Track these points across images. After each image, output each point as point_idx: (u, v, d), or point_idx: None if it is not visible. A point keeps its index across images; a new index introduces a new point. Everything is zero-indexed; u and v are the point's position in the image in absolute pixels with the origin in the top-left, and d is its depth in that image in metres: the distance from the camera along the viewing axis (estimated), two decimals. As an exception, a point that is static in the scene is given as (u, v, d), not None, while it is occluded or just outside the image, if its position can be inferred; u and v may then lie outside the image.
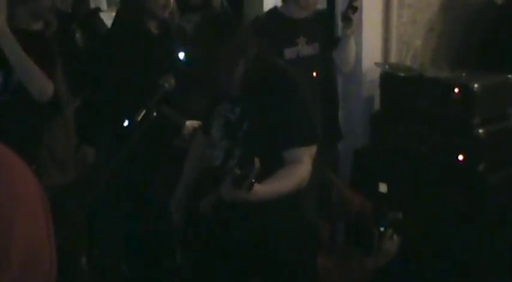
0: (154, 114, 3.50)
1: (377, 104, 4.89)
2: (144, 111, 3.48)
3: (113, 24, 4.62)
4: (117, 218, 4.54)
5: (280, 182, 2.92)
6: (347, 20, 4.47)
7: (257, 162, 2.61)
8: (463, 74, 4.51)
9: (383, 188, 3.88)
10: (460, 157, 4.30)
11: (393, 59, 5.01)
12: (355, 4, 4.45)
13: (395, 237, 3.73)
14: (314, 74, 4.46)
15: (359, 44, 4.81)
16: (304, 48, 4.52)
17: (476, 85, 4.29)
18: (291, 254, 3.17)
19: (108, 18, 5.35)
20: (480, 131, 4.29)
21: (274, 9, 4.67)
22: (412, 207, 4.39)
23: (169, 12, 4.38)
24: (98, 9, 5.30)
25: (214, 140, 3.17)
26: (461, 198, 4.30)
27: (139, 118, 3.51)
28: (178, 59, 4.32)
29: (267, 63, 3.06)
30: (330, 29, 4.53)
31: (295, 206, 3.12)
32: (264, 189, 2.78)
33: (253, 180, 2.64)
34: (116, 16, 4.71)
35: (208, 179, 3.16)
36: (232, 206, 2.88)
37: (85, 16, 4.89)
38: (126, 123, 3.99)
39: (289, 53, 4.47)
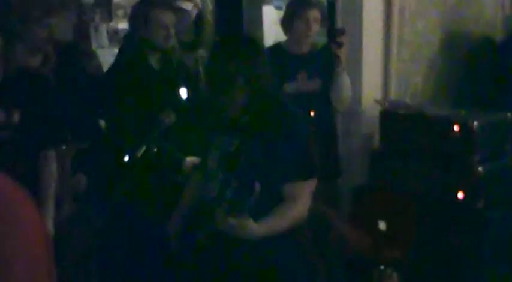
0: (155, 150, 3.51)
1: (377, 141, 4.89)
2: (144, 147, 3.49)
3: (115, 60, 4.64)
4: (116, 253, 4.52)
5: (277, 220, 2.93)
6: (335, 56, 4.47)
7: (257, 187, 2.64)
8: (463, 112, 4.52)
9: (382, 225, 3.87)
10: (460, 194, 4.30)
11: (393, 96, 5.02)
12: (338, 40, 4.45)
13: (394, 275, 3.72)
14: (312, 113, 4.45)
15: (359, 81, 4.83)
16: (305, 84, 4.53)
17: (476, 123, 4.30)
18: None
19: (109, 54, 5.39)
20: (480, 168, 4.29)
21: (277, 44, 4.70)
22: (411, 245, 4.38)
23: (171, 46, 4.40)
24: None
25: (210, 172, 3.15)
26: (461, 236, 4.29)
27: (140, 154, 3.52)
28: (180, 94, 4.35)
29: (270, 96, 3.07)
30: (332, 65, 4.52)
31: (293, 239, 3.10)
32: (257, 228, 2.80)
33: (245, 211, 2.67)
34: (119, 52, 4.73)
35: (203, 211, 3.13)
36: (228, 238, 2.90)
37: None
38: (126, 158, 4.00)
39: (288, 87, 4.48)
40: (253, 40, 3.24)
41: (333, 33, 4.48)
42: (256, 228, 2.75)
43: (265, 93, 3.03)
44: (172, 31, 4.28)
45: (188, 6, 5.54)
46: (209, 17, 5.96)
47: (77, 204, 4.00)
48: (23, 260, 0.98)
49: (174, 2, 5.09)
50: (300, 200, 2.99)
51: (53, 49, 4.05)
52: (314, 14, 4.42)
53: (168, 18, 4.26)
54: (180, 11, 5.14)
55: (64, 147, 3.86)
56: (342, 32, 4.48)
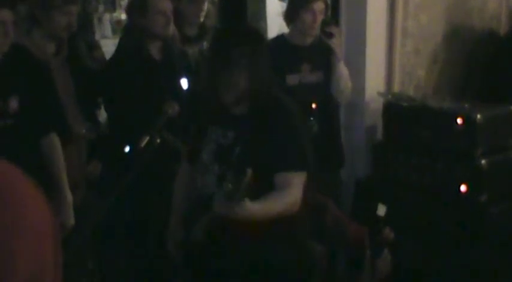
0: (158, 140, 3.51)
1: (380, 134, 4.89)
2: (147, 138, 3.49)
3: (116, 51, 4.65)
4: (119, 245, 4.53)
5: (270, 203, 2.97)
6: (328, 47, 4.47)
7: (249, 171, 2.66)
8: (466, 105, 4.52)
9: (381, 210, 3.85)
10: (462, 187, 4.30)
11: (396, 88, 5.02)
12: (328, 30, 4.45)
13: (388, 256, 3.72)
14: (313, 105, 4.45)
15: (362, 74, 4.83)
16: (308, 75, 4.52)
17: (479, 116, 4.30)
18: (284, 279, 3.17)
19: (112, 44, 5.38)
20: (482, 161, 4.29)
21: (280, 36, 4.69)
22: (413, 237, 4.38)
23: (171, 34, 4.39)
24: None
25: (204, 165, 3.16)
26: (463, 229, 4.29)
27: (143, 144, 3.52)
28: (181, 84, 4.35)
29: (266, 87, 3.09)
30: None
31: (288, 231, 3.12)
32: (255, 206, 2.82)
33: (243, 191, 2.68)
34: (119, 42, 4.73)
35: (202, 207, 3.12)
36: (224, 230, 2.95)
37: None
38: (127, 149, 4.01)
39: (291, 79, 4.47)
40: (256, 30, 3.29)
41: (322, 23, 4.47)
42: (250, 205, 2.77)
43: (262, 83, 3.05)
44: (171, 17, 4.28)
45: None
46: (212, 8, 5.94)
47: (89, 192, 4.04)
48: (28, 252, 0.98)
49: None
50: (291, 190, 3.03)
51: (66, 38, 4.06)
52: (320, 5, 4.41)
53: (166, 4, 4.26)
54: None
55: (84, 131, 3.90)
56: (330, 22, 4.48)
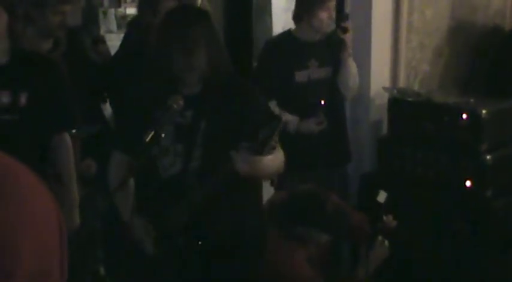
0: (163, 135, 3.51)
1: (385, 128, 4.89)
2: (152, 132, 3.48)
3: (121, 45, 4.65)
4: (120, 240, 4.54)
5: (273, 159, 2.95)
6: (341, 42, 4.47)
7: (278, 121, 2.73)
8: (471, 100, 4.52)
9: (382, 197, 3.86)
10: (467, 183, 4.30)
11: (401, 83, 5.02)
12: (344, 25, 4.45)
13: (385, 242, 3.72)
14: (322, 101, 4.45)
15: (367, 69, 4.82)
16: (316, 72, 4.52)
17: (484, 111, 4.30)
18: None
19: (117, 39, 5.39)
20: (487, 156, 4.29)
21: (287, 32, 4.68)
22: (418, 232, 4.38)
23: None
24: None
25: (164, 148, 3.09)
26: (468, 224, 4.30)
27: (148, 139, 3.51)
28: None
29: (224, 66, 3.12)
30: (339, 52, 4.52)
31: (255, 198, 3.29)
32: (269, 160, 2.86)
33: (274, 143, 2.72)
34: (124, 37, 4.74)
35: (164, 193, 3.10)
36: (204, 210, 2.99)
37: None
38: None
39: (300, 76, 4.48)
40: (206, 10, 3.35)
41: (338, 18, 4.48)
42: (269, 159, 2.85)
43: (221, 62, 3.08)
44: None
45: None
46: (207, 4, 5.95)
47: (85, 190, 4.01)
48: (34, 246, 0.98)
49: None
50: (279, 151, 3.05)
51: (64, 34, 4.06)
52: (333, 2, 4.42)
53: None
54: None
55: (74, 131, 3.86)
56: (347, 17, 4.48)
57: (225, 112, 3.06)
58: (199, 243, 3.07)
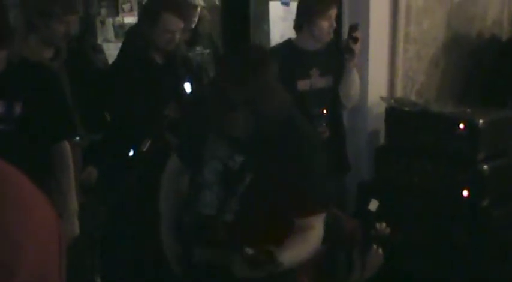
0: (160, 144, 3.52)
1: (382, 138, 4.90)
2: (149, 142, 3.49)
3: (119, 55, 4.66)
4: (123, 246, 4.54)
5: (298, 251, 2.73)
6: (349, 51, 4.47)
7: (276, 253, 2.50)
8: (468, 110, 4.53)
9: (373, 205, 3.86)
10: (465, 192, 4.31)
11: (399, 93, 5.03)
12: (355, 34, 4.45)
13: (379, 250, 3.72)
14: (324, 111, 4.45)
15: (365, 78, 4.83)
16: (317, 81, 4.52)
17: (481, 121, 4.31)
18: None
19: (115, 48, 5.39)
20: (484, 166, 4.30)
21: (288, 41, 4.68)
22: (415, 241, 4.39)
23: (175, 45, 4.41)
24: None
25: (206, 183, 2.89)
26: (465, 233, 4.30)
27: (145, 148, 3.53)
28: (184, 88, 4.36)
29: (279, 116, 2.73)
30: (342, 61, 4.52)
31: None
32: (284, 259, 2.58)
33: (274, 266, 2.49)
34: (122, 46, 4.74)
35: (199, 227, 2.93)
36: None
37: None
38: (131, 153, 4.01)
39: (302, 84, 4.47)
40: (263, 55, 2.87)
41: (350, 28, 4.48)
42: (283, 260, 2.56)
43: (274, 114, 2.70)
44: (178, 36, 4.29)
45: (197, 1, 5.57)
46: (207, 14, 5.97)
47: (86, 197, 4.02)
48: (34, 250, 0.99)
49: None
50: (314, 232, 2.81)
51: (65, 43, 4.07)
52: (334, 12, 4.41)
53: (176, 24, 4.26)
54: (191, 8, 5.17)
55: (77, 139, 3.86)
56: (357, 27, 4.48)
57: (274, 172, 2.72)
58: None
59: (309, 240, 2.78)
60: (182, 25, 4.31)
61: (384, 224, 3.81)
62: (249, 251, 2.49)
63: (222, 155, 2.85)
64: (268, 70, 2.73)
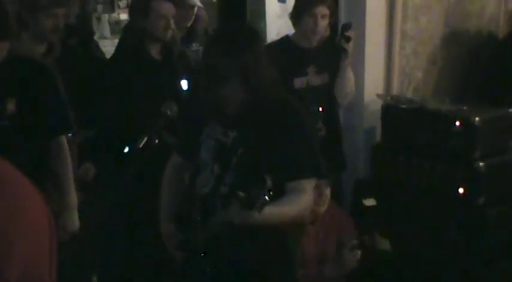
0: (156, 141, 3.50)
1: (378, 136, 4.90)
2: (145, 138, 3.48)
3: (115, 51, 4.65)
4: (120, 242, 4.54)
5: (285, 209, 2.85)
6: (342, 50, 4.46)
7: (269, 182, 2.55)
8: (465, 107, 4.52)
9: (369, 201, 3.87)
10: (461, 190, 4.30)
11: (395, 91, 5.03)
12: (348, 34, 4.44)
13: (357, 250, 3.74)
14: (320, 108, 4.45)
15: (361, 76, 4.83)
16: (314, 78, 4.52)
17: (477, 118, 4.30)
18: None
19: (111, 45, 5.39)
20: (481, 164, 4.29)
21: (285, 38, 4.67)
22: (411, 239, 4.39)
23: (171, 36, 4.40)
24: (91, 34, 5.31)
25: (203, 163, 3.04)
26: (461, 231, 4.30)
27: (141, 145, 3.51)
28: (181, 85, 4.36)
29: (270, 92, 2.88)
30: (336, 59, 4.52)
31: (282, 239, 3.08)
32: (272, 213, 2.70)
33: (266, 199, 2.56)
34: (119, 43, 4.74)
35: (197, 207, 3.04)
36: (227, 236, 2.85)
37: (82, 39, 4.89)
38: (126, 149, 4.00)
39: (299, 82, 4.47)
40: (252, 33, 3.01)
41: (343, 27, 4.48)
42: (270, 214, 2.67)
43: (264, 89, 2.85)
44: (172, 21, 4.30)
45: (194, 1, 5.57)
46: (204, 12, 5.97)
47: (83, 194, 4.01)
48: (25, 245, 0.98)
49: None
50: (303, 196, 2.93)
51: (58, 38, 4.06)
52: (322, 10, 4.39)
53: (168, 8, 4.28)
54: (184, 5, 5.18)
55: (70, 135, 3.85)
56: (350, 26, 4.48)
57: (267, 142, 2.87)
58: (208, 270, 3.00)
59: (296, 201, 2.90)
60: (174, 10, 4.33)
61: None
62: (241, 193, 2.57)
63: (215, 133, 2.99)
64: (257, 45, 2.92)
